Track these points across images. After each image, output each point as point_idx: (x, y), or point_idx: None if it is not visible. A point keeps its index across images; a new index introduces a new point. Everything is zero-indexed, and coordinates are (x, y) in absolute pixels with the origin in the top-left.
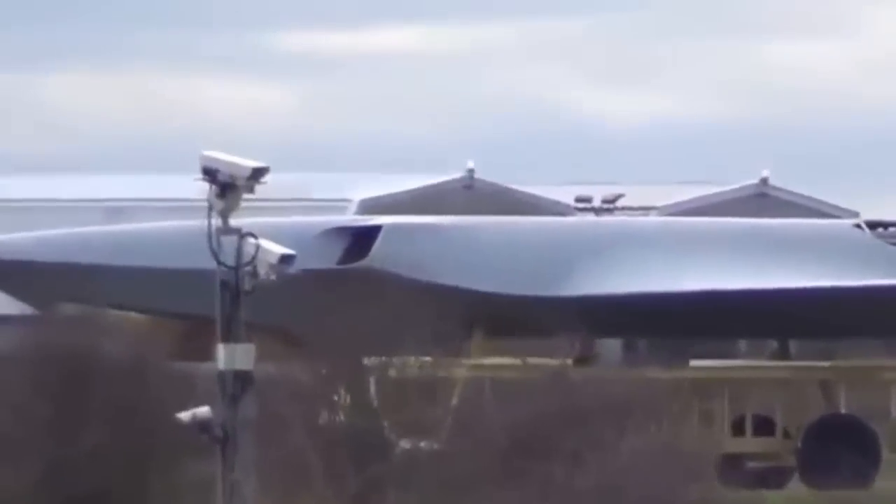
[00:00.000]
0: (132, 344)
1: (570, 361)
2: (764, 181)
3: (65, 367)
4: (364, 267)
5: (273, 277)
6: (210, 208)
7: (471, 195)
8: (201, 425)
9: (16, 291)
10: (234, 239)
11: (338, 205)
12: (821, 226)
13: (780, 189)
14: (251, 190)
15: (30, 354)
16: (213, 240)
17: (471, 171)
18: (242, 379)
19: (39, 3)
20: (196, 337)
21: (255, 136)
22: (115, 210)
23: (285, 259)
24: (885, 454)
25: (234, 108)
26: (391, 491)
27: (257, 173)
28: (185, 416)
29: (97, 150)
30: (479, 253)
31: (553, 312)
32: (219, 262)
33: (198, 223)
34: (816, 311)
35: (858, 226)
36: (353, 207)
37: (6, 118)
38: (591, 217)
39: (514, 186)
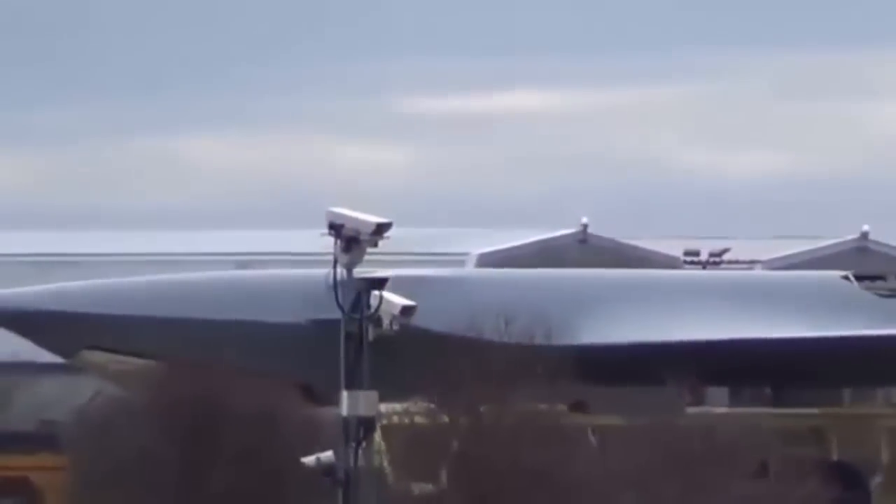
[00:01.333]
0: (260, 391)
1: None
2: (864, 235)
3: (195, 413)
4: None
5: (396, 327)
6: (335, 262)
7: (585, 249)
8: (325, 469)
9: (38, 340)
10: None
11: (457, 259)
12: (811, 277)
13: (879, 243)
14: (375, 244)
15: (161, 401)
16: (338, 291)
17: (585, 226)
18: (365, 425)
19: (176, 72)
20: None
21: (380, 194)
22: (245, 263)
23: (407, 310)
24: (877, 500)
25: (359, 168)
26: None
27: (381, 228)
28: (309, 460)
29: (230, 207)
30: (477, 304)
31: (540, 361)
32: (344, 313)
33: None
34: (806, 360)
35: (846, 277)
36: (472, 261)
37: (148, 178)
38: (572, 270)
39: (627, 241)
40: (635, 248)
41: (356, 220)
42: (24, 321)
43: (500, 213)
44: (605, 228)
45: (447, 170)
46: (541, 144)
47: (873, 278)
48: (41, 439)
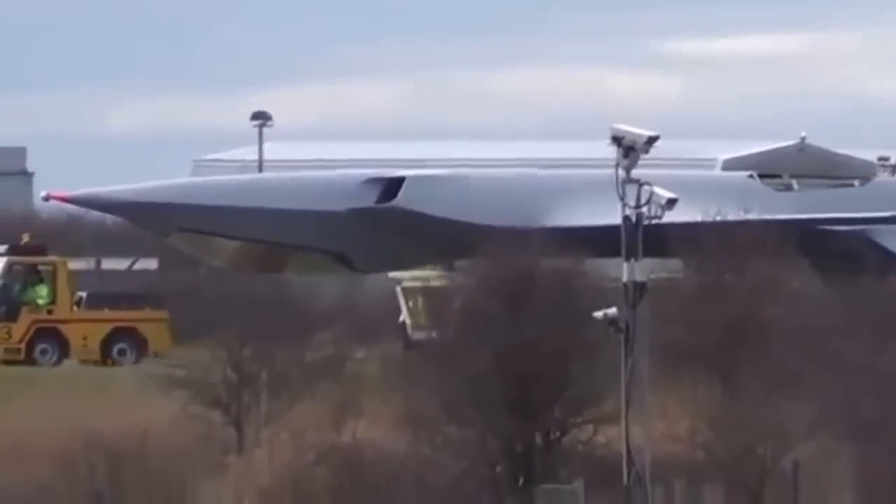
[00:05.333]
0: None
1: None
2: None
3: (512, 281)
4: (392, 206)
5: (661, 214)
6: (617, 165)
7: (803, 156)
8: (611, 321)
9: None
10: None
11: (708, 163)
12: (728, 176)
13: None
14: (646, 152)
15: (486, 275)
16: (620, 187)
17: (803, 138)
18: (640, 287)
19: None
20: None
21: (651, 113)
22: (538, 166)
23: (671, 202)
24: None
25: (634, 93)
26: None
27: (651, 140)
28: (599, 314)
29: (532, 125)
30: (470, 195)
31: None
32: (624, 204)
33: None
34: (727, 237)
35: (751, 176)
36: (719, 165)
37: (466, 102)
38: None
39: (834, 149)
40: (841, 154)
41: (633, 133)
42: (132, 210)
43: (741, 129)
44: (818, 140)
45: (699, 96)
46: (769, 77)
47: (772, 176)
48: (145, 298)
